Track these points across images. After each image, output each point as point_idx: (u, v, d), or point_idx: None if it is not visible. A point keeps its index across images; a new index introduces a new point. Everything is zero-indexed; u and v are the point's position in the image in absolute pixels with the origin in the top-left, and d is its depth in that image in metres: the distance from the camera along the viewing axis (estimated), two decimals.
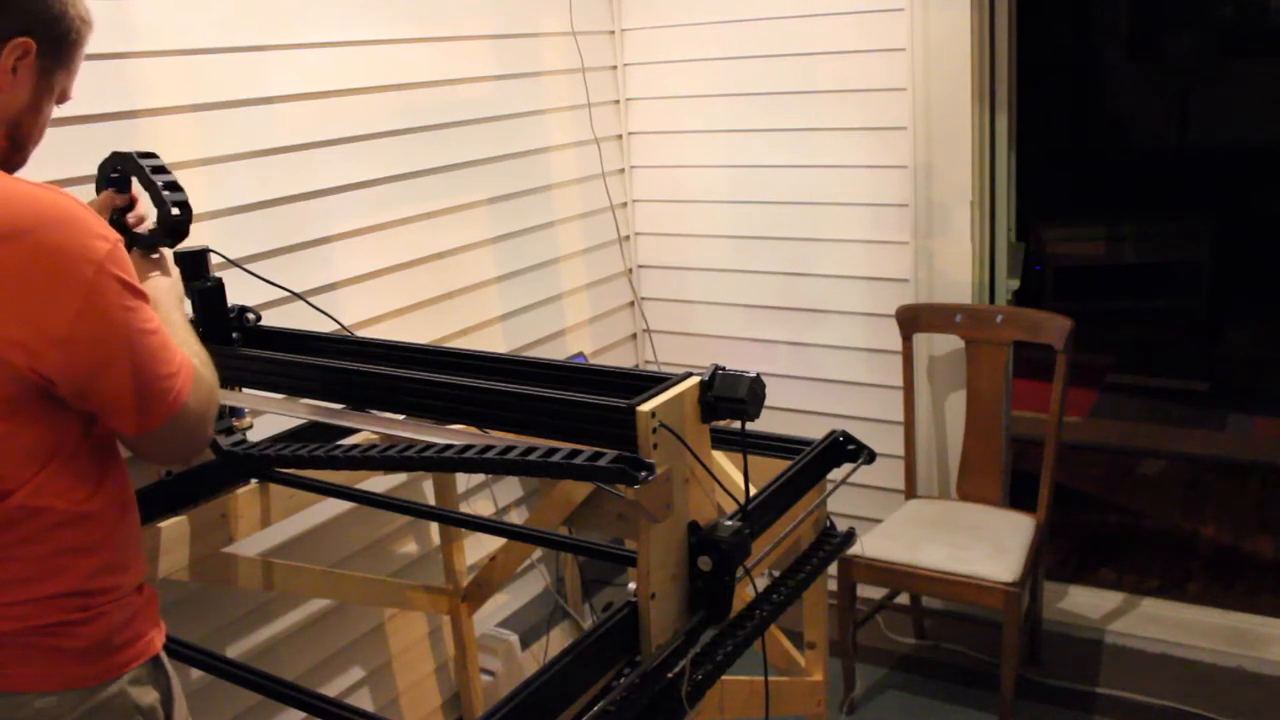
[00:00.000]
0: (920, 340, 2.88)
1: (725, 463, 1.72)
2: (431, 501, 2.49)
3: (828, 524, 1.88)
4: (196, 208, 1.99)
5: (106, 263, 1.15)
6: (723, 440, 1.74)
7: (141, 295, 1.20)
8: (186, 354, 1.27)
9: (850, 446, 1.80)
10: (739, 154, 3.07)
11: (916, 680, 2.88)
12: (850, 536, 1.87)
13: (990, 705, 2.69)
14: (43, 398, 1.17)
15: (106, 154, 1.85)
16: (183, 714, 1.37)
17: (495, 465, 1.40)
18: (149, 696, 1.29)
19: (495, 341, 2.77)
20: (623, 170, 3.24)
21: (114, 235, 1.18)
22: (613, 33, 3.14)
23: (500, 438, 1.52)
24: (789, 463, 1.73)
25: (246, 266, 2.03)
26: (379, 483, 2.33)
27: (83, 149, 1.81)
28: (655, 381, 1.44)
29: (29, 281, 1.11)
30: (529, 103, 2.83)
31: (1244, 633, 2.89)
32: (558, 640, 2.93)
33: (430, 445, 1.47)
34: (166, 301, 1.51)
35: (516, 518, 2.85)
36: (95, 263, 1.14)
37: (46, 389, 1.16)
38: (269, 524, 2.01)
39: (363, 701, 2.43)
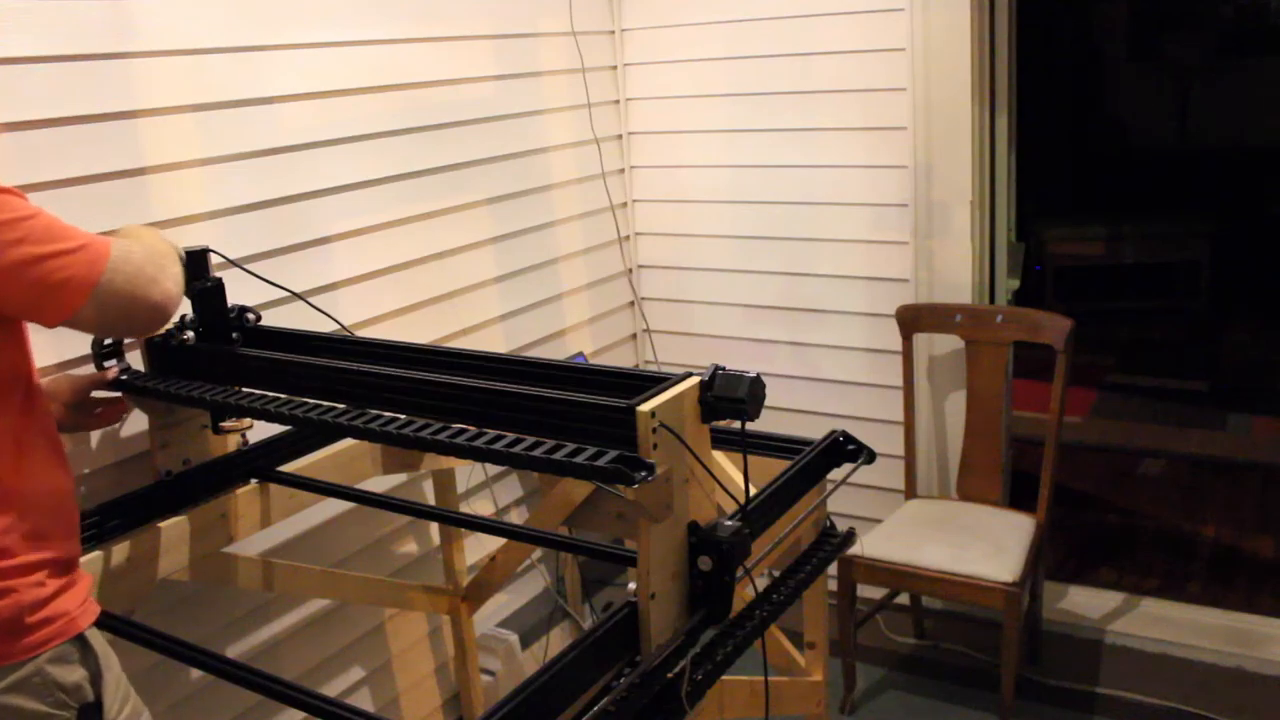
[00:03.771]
0: (920, 340, 2.88)
1: (725, 463, 1.71)
2: (431, 501, 2.49)
3: (828, 524, 1.88)
4: (196, 208, 2.01)
5: None
6: (723, 440, 1.74)
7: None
8: (93, 234, 1.28)
9: (850, 446, 1.80)
10: (739, 154, 3.07)
11: (916, 680, 2.88)
12: (850, 536, 1.87)
13: (990, 705, 2.69)
14: None
15: (107, 153, 1.86)
16: (116, 691, 1.36)
17: (500, 456, 1.40)
18: (74, 674, 1.29)
19: (495, 341, 2.77)
20: (623, 170, 3.24)
21: None
22: (613, 33, 3.14)
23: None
24: (789, 463, 1.73)
25: (246, 266, 2.02)
26: (379, 483, 2.32)
27: (83, 149, 1.81)
28: (655, 381, 1.44)
29: None
30: (529, 103, 2.83)
31: (1244, 633, 2.89)
32: (558, 640, 2.93)
33: (445, 427, 1.47)
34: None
35: (516, 518, 2.85)
36: None
37: None
38: (269, 524, 2.01)
39: (363, 701, 2.43)
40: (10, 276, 1.20)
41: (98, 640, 1.36)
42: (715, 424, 1.48)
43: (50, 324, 1.28)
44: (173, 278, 1.36)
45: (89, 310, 1.26)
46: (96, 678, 1.33)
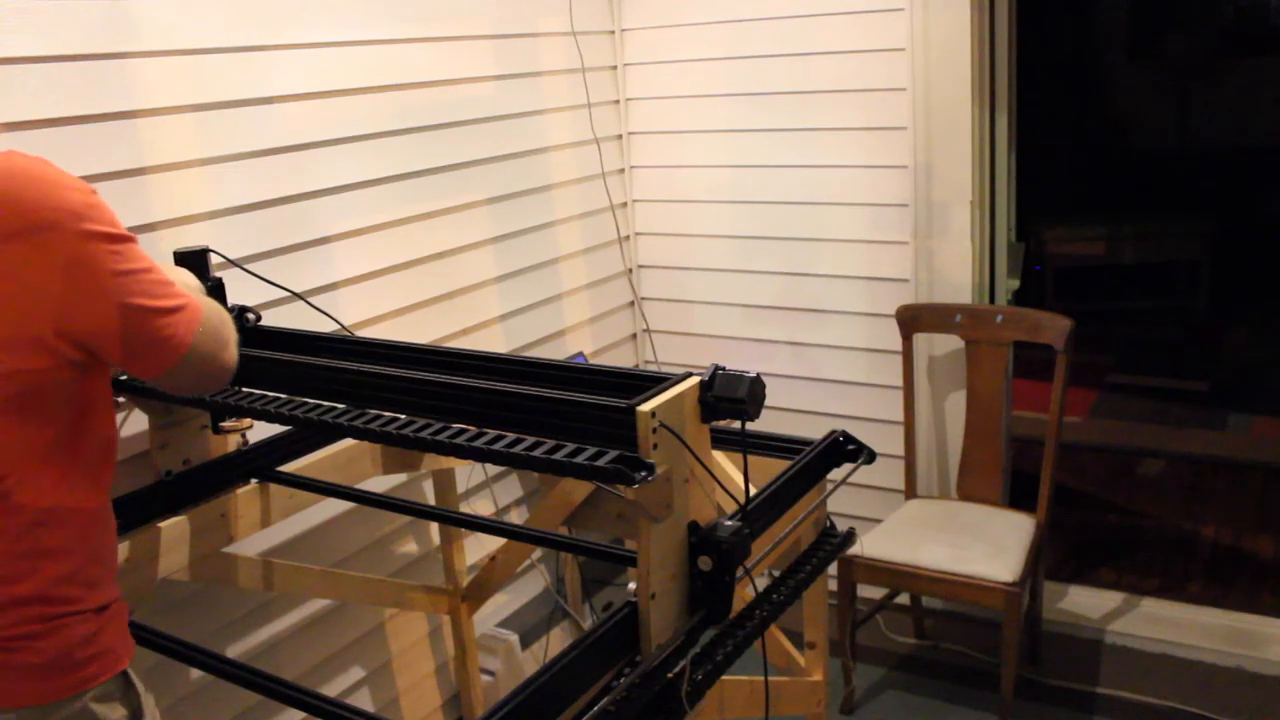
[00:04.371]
0: (920, 340, 2.88)
1: (725, 463, 1.71)
2: (431, 501, 2.49)
3: (828, 524, 1.88)
4: (196, 208, 2.01)
5: (84, 213, 1.17)
6: (723, 440, 1.74)
7: (127, 238, 1.22)
8: (186, 292, 1.29)
9: (850, 446, 1.80)
10: (739, 154, 3.07)
11: (916, 680, 2.88)
12: (850, 536, 1.87)
13: (990, 705, 2.69)
14: (57, 385, 1.19)
15: (107, 153, 1.86)
16: None
17: (500, 456, 1.40)
18: (116, 713, 1.28)
19: (495, 341, 2.77)
20: (623, 170, 3.24)
21: (85, 185, 1.20)
22: (613, 33, 3.14)
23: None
24: (789, 463, 1.73)
25: (246, 266, 2.03)
26: (379, 483, 2.33)
27: (83, 149, 1.81)
28: (655, 381, 1.44)
29: (16, 261, 1.14)
30: (529, 103, 2.83)
31: (1244, 633, 2.89)
32: (558, 640, 2.93)
33: (445, 427, 1.47)
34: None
35: (516, 518, 2.85)
36: (73, 213, 1.16)
37: (76, 360, 1.19)
38: (269, 524, 2.01)
39: (363, 701, 2.43)
40: (126, 328, 1.21)
41: (137, 676, 1.34)
42: (715, 424, 1.48)
43: (147, 376, 1.29)
44: (235, 342, 1.38)
45: (180, 368, 1.27)
46: (138, 715, 1.32)
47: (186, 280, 1.65)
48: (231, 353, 1.35)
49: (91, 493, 1.28)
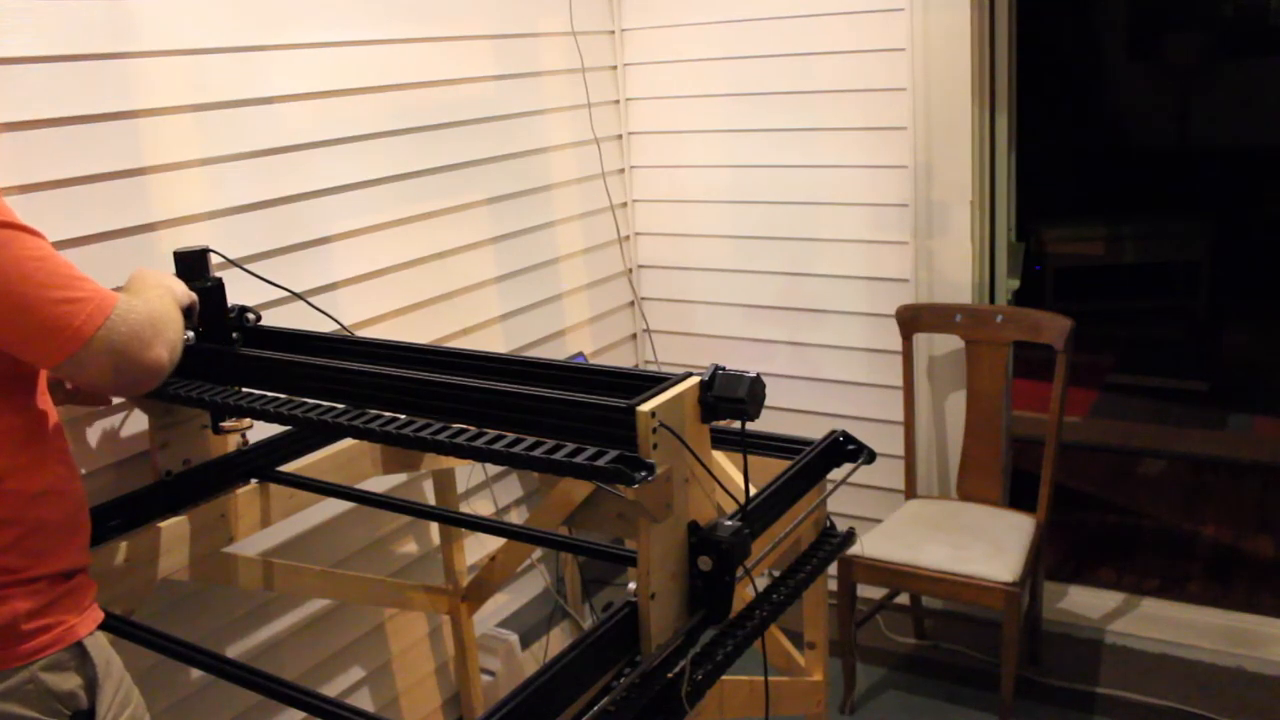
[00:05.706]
0: (920, 340, 2.88)
1: (725, 463, 1.71)
2: (431, 501, 2.49)
3: (828, 524, 1.88)
4: (196, 208, 2.01)
5: None
6: (723, 440, 1.74)
7: (12, 225, 1.22)
8: (104, 288, 1.29)
9: (850, 446, 1.80)
10: (739, 154, 3.07)
11: (916, 680, 2.88)
12: (850, 536, 1.87)
13: (990, 705, 2.69)
14: None
15: (107, 153, 1.86)
16: (113, 698, 1.36)
17: (500, 456, 1.40)
18: (69, 682, 1.30)
19: (495, 341, 2.77)
20: (623, 170, 3.24)
21: None
22: (613, 33, 3.14)
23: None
24: (789, 463, 1.72)
25: (246, 266, 2.03)
26: (379, 483, 2.33)
27: (83, 149, 1.81)
28: (655, 381, 1.44)
29: None
30: (529, 103, 2.83)
31: (1244, 633, 2.89)
32: (558, 640, 2.93)
33: (445, 427, 1.47)
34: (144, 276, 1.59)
35: (516, 518, 2.85)
36: None
37: None
38: (269, 524, 2.01)
39: (363, 701, 2.43)
40: (12, 313, 1.22)
41: (98, 647, 1.35)
42: (715, 424, 1.48)
43: (43, 365, 1.29)
44: (167, 344, 1.37)
45: (81, 360, 1.27)
46: (92, 685, 1.33)
47: (171, 285, 1.65)
48: (156, 353, 1.34)
49: (31, 466, 1.30)
